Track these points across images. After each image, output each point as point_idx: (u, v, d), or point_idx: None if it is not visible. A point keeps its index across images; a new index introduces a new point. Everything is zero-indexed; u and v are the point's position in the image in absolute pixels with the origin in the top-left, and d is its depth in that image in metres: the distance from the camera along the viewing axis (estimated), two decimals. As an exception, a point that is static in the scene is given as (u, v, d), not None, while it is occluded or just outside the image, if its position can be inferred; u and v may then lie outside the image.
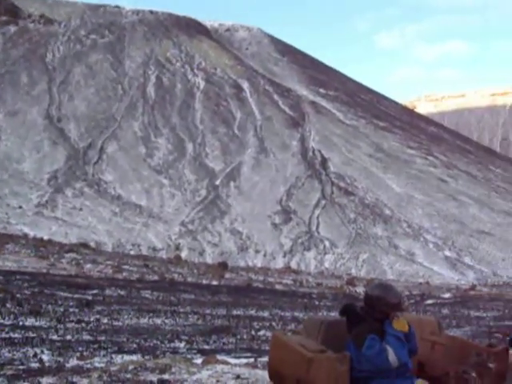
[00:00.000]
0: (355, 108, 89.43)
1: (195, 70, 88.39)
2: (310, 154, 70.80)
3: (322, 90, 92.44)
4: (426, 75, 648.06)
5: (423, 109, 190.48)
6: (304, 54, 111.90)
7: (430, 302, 26.56)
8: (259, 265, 45.23)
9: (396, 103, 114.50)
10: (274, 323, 16.99)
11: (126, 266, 29.60)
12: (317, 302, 23.31)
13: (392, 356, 4.63)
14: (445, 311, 22.74)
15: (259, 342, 14.00)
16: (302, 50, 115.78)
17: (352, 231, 54.15)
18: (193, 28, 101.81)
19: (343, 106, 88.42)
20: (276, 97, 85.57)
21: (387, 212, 59.10)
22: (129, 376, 7.56)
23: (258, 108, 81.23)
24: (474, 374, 4.68)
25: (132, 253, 42.86)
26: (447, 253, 52.08)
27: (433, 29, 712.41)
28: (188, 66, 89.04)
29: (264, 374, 6.63)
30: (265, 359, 9.05)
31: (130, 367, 8.03)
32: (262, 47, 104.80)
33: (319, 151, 71.38)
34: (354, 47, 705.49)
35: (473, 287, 37.94)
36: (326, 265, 47.65)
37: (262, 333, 15.28)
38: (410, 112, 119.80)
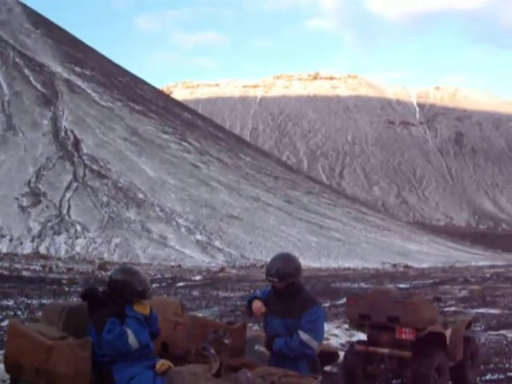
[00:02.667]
0: (111, 89, 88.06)
1: None
2: (62, 134, 68.18)
3: (77, 69, 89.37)
4: (183, 62, 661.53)
5: (179, 95, 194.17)
6: (60, 29, 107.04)
7: (181, 284, 27.19)
8: (4, 250, 42.51)
9: (153, 87, 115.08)
10: (19, 312, 16.12)
11: None
12: (67, 288, 22.61)
13: (132, 338, 4.66)
14: (195, 293, 23.43)
15: (2, 333, 13.19)
16: (58, 24, 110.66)
17: (104, 215, 53.33)
18: None
19: (99, 87, 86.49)
20: (27, 71, 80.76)
21: (140, 196, 59.24)
22: None
23: (6, 82, 75.96)
24: (212, 350, 4.88)
25: None
26: (198, 236, 53.76)
27: (191, 17, 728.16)
28: None
29: (3, 367, 6.24)
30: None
31: None
32: (13, 16, 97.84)
33: (72, 132, 69.05)
34: (113, 27, 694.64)
35: (222, 269, 39.71)
36: (78, 249, 46.34)
37: (5, 323, 14.40)
38: (166, 97, 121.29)
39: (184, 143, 79.44)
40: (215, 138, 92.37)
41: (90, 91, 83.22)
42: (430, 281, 30.24)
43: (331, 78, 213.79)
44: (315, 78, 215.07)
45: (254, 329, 8.32)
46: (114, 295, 4.79)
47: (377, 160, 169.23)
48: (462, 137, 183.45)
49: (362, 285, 26.77)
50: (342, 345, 11.77)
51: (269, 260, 5.66)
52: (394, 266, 49.64)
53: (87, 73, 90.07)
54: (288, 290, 5.46)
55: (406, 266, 48.46)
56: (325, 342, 11.31)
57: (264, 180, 78.95)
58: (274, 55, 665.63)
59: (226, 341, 4.93)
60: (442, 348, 8.09)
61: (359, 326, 8.47)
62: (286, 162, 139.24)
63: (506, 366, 10.58)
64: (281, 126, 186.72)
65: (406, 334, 7.69)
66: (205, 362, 4.85)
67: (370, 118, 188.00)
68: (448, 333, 8.31)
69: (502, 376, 9.73)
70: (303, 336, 5.21)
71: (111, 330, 4.61)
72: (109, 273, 30.07)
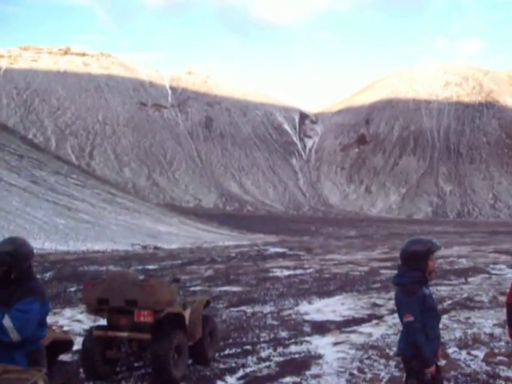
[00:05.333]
0: None
1: None
2: None
3: None
4: None
5: None
6: None
7: None
8: None
9: None
10: None
11: None
12: None
13: None
14: None
15: None
16: None
17: None
18: None
19: None
20: None
21: None
22: None
23: None
24: None
25: None
26: None
27: None
28: None
29: None
30: None
31: None
32: None
33: None
34: None
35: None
36: None
37: None
38: None
39: None
40: None
41: None
42: (179, 261, 30.82)
43: (83, 55, 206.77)
44: (66, 52, 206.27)
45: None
46: None
47: (128, 141, 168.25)
48: (212, 121, 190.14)
49: (111, 267, 26.40)
50: (86, 330, 11.41)
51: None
52: (144, 247, 49.77)
53: None
54: (7, 279, 5.06)
55: (156, 248, 48.87)
56: (65, 329, 10.85)
57: (7, 158, 73.96)
58: (20, 24, 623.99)
59: None
60: (180, 328, 8.20)
61: (97, 311, 8.24)
62: (33, 140, 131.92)
63: (244, 340, 11.10)
64: (27, 102, 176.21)
65: (145, 317, 7.65)
66: None
67: (123, 98, 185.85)
68: (187, 313, 8.45)
69: (239, 350, 10.19)
70: (6, 321, 4.83)
71: None
72: None
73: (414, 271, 5.34)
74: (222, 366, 9.10)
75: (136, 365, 8.88)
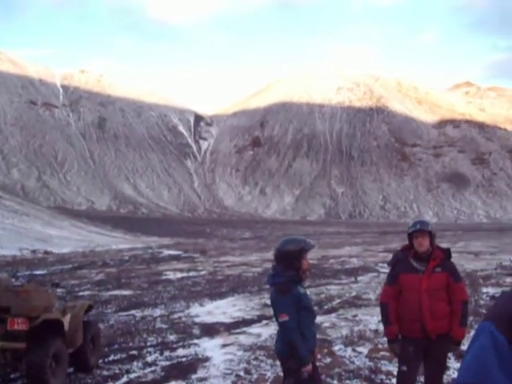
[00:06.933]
0: None
1: None
2: None
3: None
4: None
5: None
6: None
7: None
8: None
9: None
10: None
11: None
12: None
13: None
14: None
15: None
16: None
17: None
18: None
19: None
20: None
21: None
22: None
23: None
24: None
25: None
26: None
27: None
28: None
29: None
30: None
31: None
32: None
33: None
34: None
35: None
36: None
37: None
38: None
39: None
40: None
41: None
42: (70, 266, 30.02)
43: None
44: None
45: None
46: None
47: (16, 141, 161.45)
48: (105, 122, 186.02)
49: (-6, 273, 25.19)
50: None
51: None
52: (34, 252, 48.09)
53: None
54: None
55: (46, 252, 47.38)
56: None
57: None
58: None
59: None
60: (59, 335, 7.86)
61: (-33, 320, 7.73)
62: None
63: (130, 344, 10.83)
64: None
65: (19, 325, 7.26)
66: None
67: (10, 96, 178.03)
68: (66, 319, 8.11)
69: (124, 355, 9.92)
70: None
71: None
72: None
73: (288, 270, 5.34)
74: (105, 372, 8.81)
75: (12, 376, 8.43)
